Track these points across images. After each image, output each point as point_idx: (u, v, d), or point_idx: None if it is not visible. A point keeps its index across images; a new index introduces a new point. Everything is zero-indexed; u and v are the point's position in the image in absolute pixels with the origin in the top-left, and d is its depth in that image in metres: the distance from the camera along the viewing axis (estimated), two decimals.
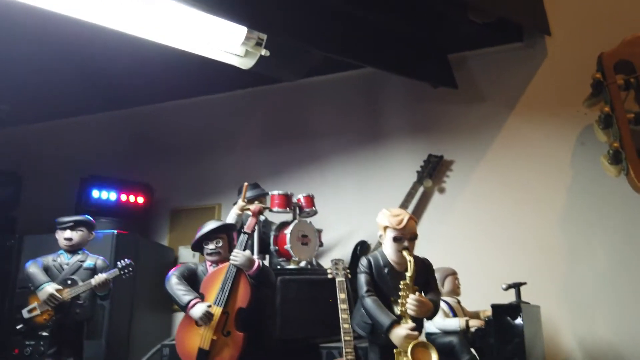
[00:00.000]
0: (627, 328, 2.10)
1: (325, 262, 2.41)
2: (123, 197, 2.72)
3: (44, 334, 2.26)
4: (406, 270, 1.45)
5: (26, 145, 3.27)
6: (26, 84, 2.92)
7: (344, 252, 2.55)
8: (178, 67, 2.69)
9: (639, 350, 2.06)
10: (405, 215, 1.51)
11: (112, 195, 2.71)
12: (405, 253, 1.46)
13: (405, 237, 1.49)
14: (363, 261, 1.52)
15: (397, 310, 1.43)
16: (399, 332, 1.37)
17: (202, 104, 3.12)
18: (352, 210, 2.66)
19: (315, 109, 2.87)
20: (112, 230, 2.31)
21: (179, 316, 2.79)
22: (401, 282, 1.43)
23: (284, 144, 2.90)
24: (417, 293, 1.42)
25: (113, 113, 3.23)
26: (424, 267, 1.53)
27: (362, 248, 2.50)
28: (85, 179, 2.74)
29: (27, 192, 2.90)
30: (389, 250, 1.51)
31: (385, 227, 1.51)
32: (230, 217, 2.22)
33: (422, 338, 1.44)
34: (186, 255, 2.92)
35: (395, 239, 1.48)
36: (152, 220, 2.99)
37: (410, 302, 1.39)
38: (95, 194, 2.67)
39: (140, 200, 2.79)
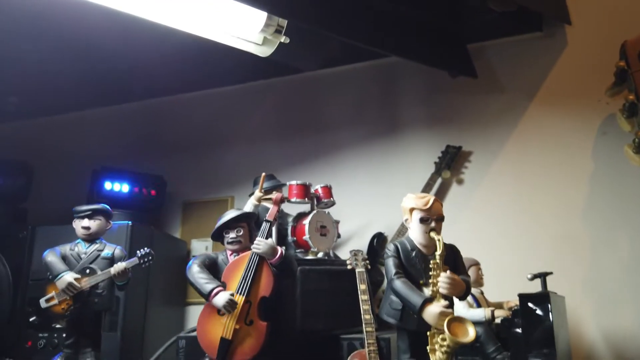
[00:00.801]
0: None
1: (342, 254, 2.39)
2: (135, 189, 2.70)
3: (58, 326, 2.27)
4: (434, 252, 1.42)
5: (38, 137, 3.25)
6: (37, 78, 2.90)
7: (361, 244, 2.51)
8: (190, 59, 2.68)
9: None
10: (431, 197, 1.49)
11: (125, 187, 2.68)
12: (432, 234, 1.44)
13: (432, 217, 1.47)
14: (390, 246, 1.50)
15: (428, 292, 1.40)
16: (433, 310, 1.34)
17: (215, 96, 3.10)
18: (368, 202, 2.64)
19: (330, 100, 2.85)
20: (127, 222, 2.27)
21: (192, 309, 2.79)
22: (431, 262, 1.40)
23: (298, 135, 2.88)
24: (448, 272, 1.39)
25: (125, 106, 3.22)
26: (451, 252, 1.51)
27: (378, 240, 2.46)
28: (97, 171, 2.71)
29: (39, 184, 2.87)
30: (416, 233, 1.49)
31: (412, 209, 1.49)
32: (247, 208, 2.19)
33: None
34: (199, 248, 2.89)
35: (422, 220, 1.46)
36: (164, 213, 2.96)
37: (443, 280, 1.37)
38: (107, 185, 2.64)
39: (153, 192, 2.77)
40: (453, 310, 1.39)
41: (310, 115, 2.88)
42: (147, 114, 3.20)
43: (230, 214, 1.81)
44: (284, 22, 1.96)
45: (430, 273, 1.39)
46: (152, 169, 2.92)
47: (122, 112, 3.24)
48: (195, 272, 1.70)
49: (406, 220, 1.51)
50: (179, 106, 3.17)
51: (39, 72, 2.84)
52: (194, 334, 2.21)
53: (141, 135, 3.13)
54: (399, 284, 1.39)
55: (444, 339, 1.34)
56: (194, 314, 2.81)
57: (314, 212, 2.19)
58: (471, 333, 1.30)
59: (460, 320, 1.33)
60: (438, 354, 1.38)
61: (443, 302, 1.35)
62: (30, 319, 2.28)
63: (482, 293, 1.98)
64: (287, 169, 2.72)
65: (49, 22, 2.35)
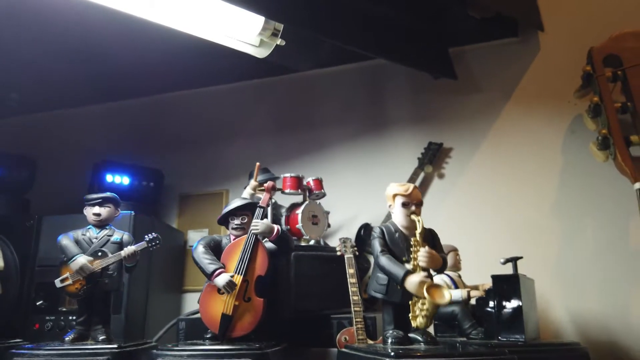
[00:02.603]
0: (613, 302, 2.24)
1: (332, 242, 2.54)
2: (135, 182, 2.84)
3: (63, 309, 2.41)
4: (415, 231, 1.60)
5: (41, 131, 3.36)
6: (39, 74, 3.01)
7: (348, 234, 2.66)
8: (189, 58, 2.80)
9: (624, 321, 2.20)
10: (411, 185, 1.67)
11: (125, 180, 2.81)
12: (413, 216, 1.61)
13: (412, 202, 1.64)
14: (376, 229, 1.67)
15: (409, 266, 1.57)
16: (413, 279, 1.50)
17: (211, 93, 3.23)
18: (356, 194, 2.78)
19: (321, 99, 2.98)
20: (130, 211, 2.41)
21: (189, 296, 2.93)
22: (412, 240, 1.58)
23: (291, 132, 3.01)
24: (426, 247, 1.57)
25: (125, 102, 3.33)
26: (430, 235, 1.68)
27: (365, 230, 2.60)
28: (98, 164, 2.82)
29: (41, 176, 2.98)
30: (398, 217, 1.66)
31: (394, 196, 1.67)
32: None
33: None
34: (195, 238, 3.01)
35: (403, 204, 1.64)
36: (162, 205, 3.08)
37: (421, 254, 1.54)
38: (109, 178, 2.77)
39: (152, 185, 2.90)
40: (432, 279, 1.56)
41: (303, 113, 3.02)
42: (146, 110, 3.31)
43: (236, 202, 1.96)
44: (280, 26, 2.12)
45: (411, 249, 1.56)
46: (150, 162, 3.04)
47: (122, 108, 3.35)
48: (200, 253, 1.85)
49: (390, 206, 1.68)
50: (176, 103, 3.29)
51: (40, 69, 2.94)
52: (194, 316, 2.38)
53: (140, 130, 3.25)
54: (384, 260, 1.57)
55: (423, 304, 1.51)
56: (190, 299, 2.94)
57: (307, 202, 2.35)
58: (447, 296, 1.46)
59: (437, 286, 1.49)
60: (419, 319, 1.54)
61: (422, 273, 1.53)
62: (37, 303, 2.42)
63: (459, 276, 2.13)
64: (280, 164, 2.86)
65: (51, 19, 2.42)
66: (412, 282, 1.50)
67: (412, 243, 1.56)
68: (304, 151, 2.95)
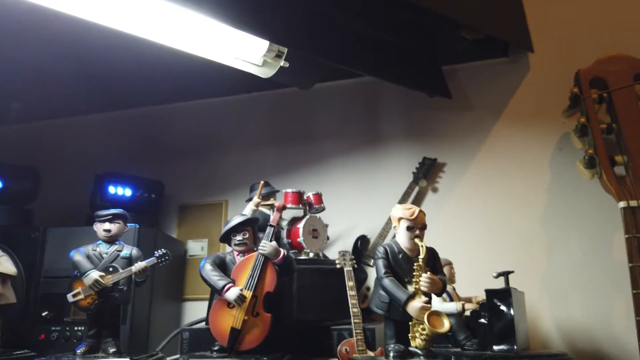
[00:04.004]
0: (597, 311, 2.36)
1: (330, 254, 2.63)
2: (137, 193, 2.90)
3: (68, 319, 2.47)
4: (418, 255, 1.69)
5: (42, 140, 3.39)
6: (41, 83, 3.05)
7: (346, 245, 2.77)
8: (190, 71, 2.85)
9: (607, 329, 2.33)
10: (416, 209, 1.76)
11: (127, 192, 2.87)
12: (417, 240, 1.70)
13: (417, 226, 1.73)
14: (380, 249, 1.75)
15: (411, 288, 1.66)
16: (415, 305, 1.60)
17: (211, 105, 3.30)
18: (352, 207, 2.87)
19: (318, 113, 3.07)
20: (135, 224, 2.47)
21: (189, 305, 3.01)
22: (415, 264, 1.67)
23: (289, 145, 3.09)
24: (428, 273, 1.66)
25: (125, 112, 3.38)
26: (431, 255, 1.77)
27: (362, 241, 2.71)
28: (100, 175, 2.87)
29: (43, 185, 3.02)
30: (402, 239, 1.75)
31: (400, 219, 1.75)
32: (246, 212, 2.42)
33: None
34: (194, 248, 3.10)
35: (408, 228, 1.72)
36: (162, 215, 3.15)
37: (424, 280, 1.63)
38: (111, 189, 2.83)
39: (153, 196, 2.97)
40: (431, 305, 1.66)
41: (300, 126, 3.10)
42: (146, 122, 3.37)
43: (237, 219, 2.05)
44: (284, 49, 2.20)
45: (414, 273, 1.66)
46: (150, 173, 3.10)
47: (123, 118, 3.40)
48: (208, 270, 1.93)
49: (394, 227, 1.77)
50: (176, 115, 3.35)
51: (42, 78, 2.98)
52: (196, 326, 2.45)
53: (140, 141, 3.31)
54: (388, 282, 1.66)
55: (423, 329, 1.61)
56: (190, 308, 3.02)
57: (307, 217, 2.43)
58: (446, 324, 1.56)
59: (437, 313, 1.59)
60: (418, 340, 1.64)
61: (423, 298, 1.63)
62: (43, 314, 2.48)
63: (454, 289, 2.24)
64: (278, 176, 2.94)
65: (53, 31, 2.46)
66: (414, 307, 1.59)
67: (414, 267, 1.65)
68: (302, 163, 3.03)
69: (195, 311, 2.96)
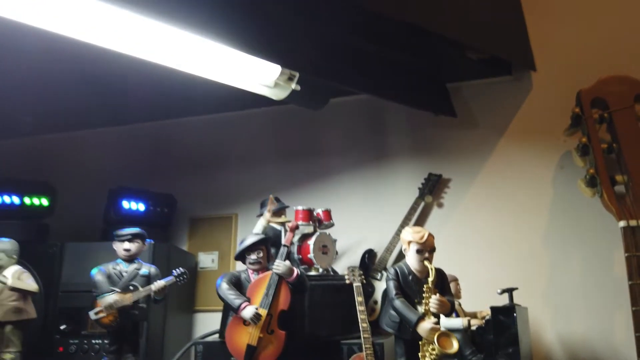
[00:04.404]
0: (598, 326, 2.45)
1: (338, 267, 2.71)
2: (150, 208, 2.97)
3: (86, 332, 2.55)
4: (427, 277, 1.78)
5: (55, 154, 3.48)
6: (51, 98, 3.11)
7: (353, 259, 2.85)
8: (200, 88, 2.91)
9: (607, 344, 2.41)
10: (425, 232, 1.84)
11: (141, 206, 2.95)
12: (426, 263, 1.79)
13: (426, 249, 1.82)
14: (391, 270, 1.84)
15: (421, 309, 1.75)
16: (425, 326, 1.69)
17: (221, 120, 3.37)
18: (360, 222, 2.95)
19: (326, 129, 3.14)
20: (150, 240, 2.55)
21: (200, 316, 3.08)
22: (424, 286, 1.75)
23: (297, 160, 3.17)
24: (437, 294, 1.75)
25: (137, 127, 3.47)
26: (440, 275, 1.86)
27: (369, 255, 2.79)
28: (114, 190, 2.95)
29: (58, 200, 3.09)
30: (412, 261, 1.83)
31: (409, 242, 1.83)
32: (257, 229, 2.50)
33: None
34: (205, 260, 3.18)
35: (418, 251, 1.81)
36: (173, 228, 3.23)
37: (433, 302, 1.72)
38: (125, 204, 2.91)
39: (166, 210, 3.05)
40: (440, 325, 1.74)
41: (308, 142, 3.18)
42: (158, 136, 3.46)
43: (251, 239, 2.13)
44: (296, 73, 2.28)
45: (424, 295, 1.74)
46: (162, 186, 3.19)
47: (134, 132, 3.49)
48: (225, 289, 2.02)
49: (405, 249, 1.85)
50: (188, 129, 3.44)
51: (55, 93, 3.06)
52: (209, 339, 2.53)
53: (152, 155, 3.40)
54: (399, 303, 1.75)
55: (433, 349, 1.70)
56: (201, 319, 3.10)
57: (317, 233, 2.52)
58: (455, 346, 1.65)
59: (447, 334, 1.68)
60: (427, 359, 1.74)
61: (433, 319, 1.71)
62: (61, 327, 2.56)
63: (460, 304, 2.32)
64: (287, 191, 3.01)
65: (70, 53, 2.53)
66: (424, 328, 1.68)
67: (424, 289, 1.73)
68: (310, 179, 3.11)
69: (206, 322, 3.05)
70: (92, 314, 2.01)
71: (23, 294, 2.26)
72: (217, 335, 2.51)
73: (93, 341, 2.50)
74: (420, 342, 1.73)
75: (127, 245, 2.13)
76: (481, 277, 2.55)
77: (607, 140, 2.24)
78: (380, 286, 2.69)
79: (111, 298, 2.01)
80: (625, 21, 2.65)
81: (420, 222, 2.85)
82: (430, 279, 1.75)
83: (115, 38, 1.95)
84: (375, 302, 2.66)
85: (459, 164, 2.87)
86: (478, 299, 2.31)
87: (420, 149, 2.96)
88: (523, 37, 2.73)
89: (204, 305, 3.10)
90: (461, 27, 2.37)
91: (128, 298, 2.03)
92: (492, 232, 2.73)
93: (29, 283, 2.25)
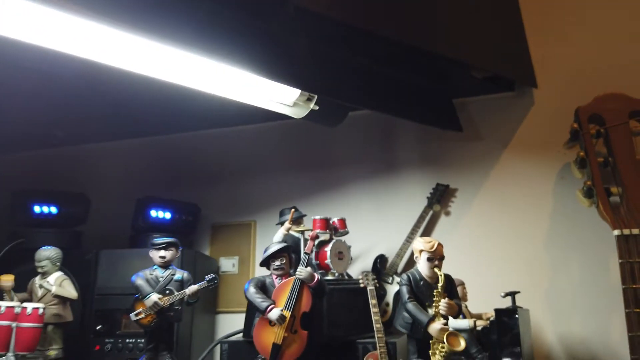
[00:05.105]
0: (595, 326, 2.61)
1: (352, 272, 2.91)
2: (176, 216, 3.18)
3: (120, 332, 2.76)
4: (437, 282, 1.97)
5: (89, 166, 3.70)
6: (83, 113, 3.33)
7: (366, 264, 3.05)
8: (222, 103, 3.11)
9: (604, 344, 2.58)
10: (435, 242, 2.03)
11: (167, 215, 3.15)
12: (436, 270, 1.98)
13: (436, 257, 2.00)
14: (404, 277, 2.04)
15: (432, 312, 1.94)
16: (435, 327, 1.88)
17: (242, 133, 3.58)
18: (371, 229, 3.14)
19: (339, 142, 3.33)
20: (182, 247, 2.75)
21: (222, 317, 3.28)
22: (434, 291, 1.95)
23: (312, 171, 3.37)
24: (446, 298, 1.94)
25: (162, 138, 3.69)
26: (448, 281, 2.05)
27: (381, 261, 2.99)
28: (141, 200, 3.16)
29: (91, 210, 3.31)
30: (423, 268, 2.02)
31: (421, 251, 2.03)
32: (278, 237, 2.71)
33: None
34: (226, 264, 3.38)
35: (428, 259, 2.00)
36: (196, 234, 3.44)
37: (442, 305, 1.91)
38: (152, 213, 3.11)
39: (190, 218, 3.25)
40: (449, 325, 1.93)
41: (323, 154, 3.38)
42: (183, 148, 3.67)
43: (275, 247, 2.33)
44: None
45: (434, 299, 1.93)
46: (185, 195, 3.40)
47: (160, 145, 3.71)
48: (253, 293, 2.22)
49: (416, 257, 2.05)
50: (210, 141, 3.64)
51: (83, 110, 3.27)
52: (234, 338, 2.73)
53: (176, 166, 3.61)
54: (411, 306, 1.94)
55: (442, 347, 1.89)
56: (223, 320, 3.31)
57: (334, 240, 2.71)
58: (462, 344, 1.84)
59: (455, 334, 1.87)
60: (437, 356, 1.92)
61: (442, 321, 1.90)
62: (97, 327, 2.77)
63: (466, 307, 2.49)
64: (302, 199, 3.22)
65: (99, 74, 2.71)
66: (435, 329, 1.87)
67: (434, 293, 1.93)
68: (324, 188, 3.30)
69: (228, 323, 3.25)
70: (132, 316, 2.21)
71: (63, 299, 2.46)
72: (240, 335, 2.72)
73: (127, 340, 2.70)
74: (430, 341, 1.92)
75: (162, 253, 2.33)
76: (486, 281, 2.70)
77: (603, 154, 2.38)
78: (391, 289, 2.88)
79: (151, 300, 2.21)
80: (620, 43, 2.82)
81: (428, 229, 3.04)
82: (440, 284, 1.94)
83: (150, 67, 2.16)
84: (387, 304, 2.85)
85: (465, 174, 3.05)
86: (483, 302, 2.47)
87: (428, 161, 3.15)
88: (525, 57, 2.90)
89: (225, 307, 3.30)
90: (467, 48, 2.54)
91: (165, 301, 2.23)
92: (496, 238, 2.90)
93: (69, 291, 2.46)
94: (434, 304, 1.93)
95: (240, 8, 2.10)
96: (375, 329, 2.36)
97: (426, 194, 3.04)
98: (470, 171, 3.05)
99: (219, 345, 2.67)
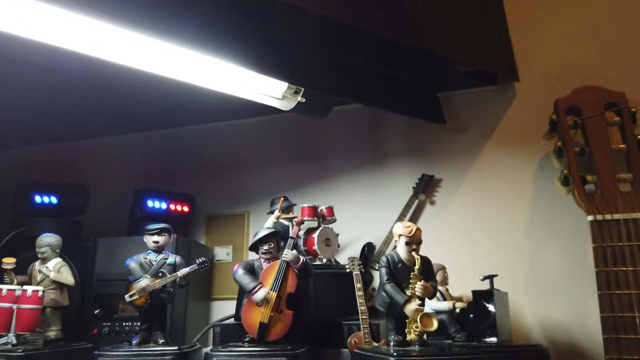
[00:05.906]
0: (573, 310, 2.71)
1: (340, 259, 3.00)
2: (172, 207, 3.30)
3: (117, 316, 2.88)
4: (414, 265, 2.07)
5: (89, 159, 3.83)
6: (84, 109, 3.45)
7: (354, 251, 3.14)
8: (215, 98, 3.21)
9: (581, 325, 2.68)
10: (414, 227, 2.12)
11: (164, 205, 3.27)
12: (413, 253, 2.08)
13: (414, 242, 2.10)
14: (383, 259, 2.13)
15: (408, 293, 2.04)
16: (411, 307, 1.98)
17: (234, 127, 3.69)
18: (359, 218, 3.25)
19: (328, 135, 3.45)
20: (173, 235, 2.87)
21: (216, 304, 3.40)
22: (411, 274, 2.05)
23: (302, 163, 3.48)
24: (422, 281, 2.05)
25: (159, 133, 3.81)
26: (425, 262, 2.15)
27: (368, 248, 3.07)
28: (139, 191, 3.28)
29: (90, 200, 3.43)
30: (402, 251, 2.12)
31: (400, 235, 2.13)
32: (268, 224, 2.80)
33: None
34: (221, 253, 3.49)
35: (406, 243, 2.10)
36: (192, 224, 3.56)
37: (418, 287, 2.01)
38: (149, 203, 3.23)
39: (186, 209, 3.37)
40: (424, 307, 2.03)
41: (313, 146, 3.49)
42: (179, 141, 3.79)
43: (263, 232, 2.44)
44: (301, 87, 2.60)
45: (410, 281, 2.03)
46: (181, 187, 3.52)
47: (157, 138, 3.83)
48: (241, 274, 2.33)
49: (395, 241, 2.14)
50: (205, 135, 3.75)
51: (84, 104, 3.39)
52: (226, 322, 2.85)
53: (173, 159, 3.73)
54: (389, 287, 2.04)
55: (417, 327, 1.98)
56: (217, 306, 3.42)
57: (321, 227, 2.83)
58: (435, 324, 1.93)
59: (429, 315, 1.96)
60: (412, 335, 2.01)
61: (418, 302, 2.00)
62: (95, 312, 2.89)
63: (447, 290, 2.59)
64: (294, 190, 3.32)
65: (99, 70, 2.82)
66: (410, 309, 1.97)
67: (411, 275, 2.03)
68: (315, 179, 3.41)
69: (222, 309, 3.37)
70: (126, 297, 2.33)
71: (61, 285, 2.58)
72: (232, 320, 2.83)
73: (123, 323, 2.82)
74: (406, 321, 2.03)
75: (155, 238, 2.44)
76: (469, 266, 2.78)
77: (581, 144, 2.46)
78: (377, 276, 2.95)
79: (144, 282, 2.32)
80: (599, 37, 2.92)
81: (414, 218, 3.14)
82: (417, 267, 2.03)
83: (143, 61, 2.28)
84: (374, 290, 2.96)
85: (450, 165, 3.16)
86: (465, 285, 2.56)
87: (414, 152, 3.25)
88: (508, 52, 3.00)
89: (219, 294, 3.41)
90: (451, 44, 2.65)
91: (158, 283, 2.35)
92: (479, 226, 3.01)
93: (67, 277, 2.57)
94: (410, 286, 2.03)
95: (228, 3, 2.22)
96: (359, 311, 2.47)
97: (412, 184, 3.14)
98: (455, 162, 3.16)
99: (212, 329, 2.80)
